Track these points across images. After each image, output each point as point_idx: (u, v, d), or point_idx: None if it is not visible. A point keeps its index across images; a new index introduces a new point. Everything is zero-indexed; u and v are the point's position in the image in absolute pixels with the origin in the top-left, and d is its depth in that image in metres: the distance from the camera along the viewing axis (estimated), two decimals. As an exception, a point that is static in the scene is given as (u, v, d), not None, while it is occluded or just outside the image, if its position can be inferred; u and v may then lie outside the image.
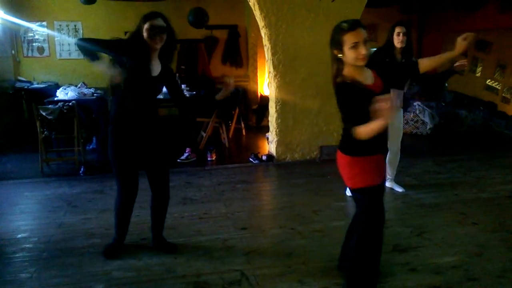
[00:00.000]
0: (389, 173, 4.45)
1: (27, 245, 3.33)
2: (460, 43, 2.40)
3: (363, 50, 2.11)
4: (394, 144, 4.28)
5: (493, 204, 4.18)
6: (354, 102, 2.20)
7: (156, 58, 2.85)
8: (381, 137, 2.28)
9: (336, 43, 2.19)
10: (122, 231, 3.17)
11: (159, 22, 2.72)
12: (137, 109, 2.85)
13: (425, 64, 2.46)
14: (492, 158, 5.96)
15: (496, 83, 8.64)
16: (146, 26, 2.69)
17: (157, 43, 2.73)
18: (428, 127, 7.33)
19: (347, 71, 2.24)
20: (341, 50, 2.19)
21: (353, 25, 2.12)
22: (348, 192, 4.32)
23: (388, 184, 4.45)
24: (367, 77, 2.28)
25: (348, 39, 2.12)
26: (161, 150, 3.04)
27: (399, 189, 4.49)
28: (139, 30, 2.73)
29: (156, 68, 2.86)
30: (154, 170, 3.05)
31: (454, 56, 2.44)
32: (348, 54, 2.15)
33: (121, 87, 2.74)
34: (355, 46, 2.11)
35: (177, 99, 3.11)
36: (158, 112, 3.07)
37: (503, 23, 7.62)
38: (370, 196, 2.41)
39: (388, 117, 1.95)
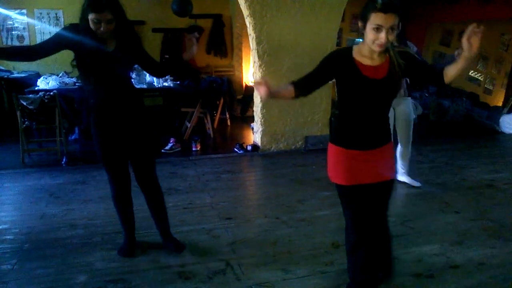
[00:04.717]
0: (402, 167, 4.36)
1: (8, 237, 3.28)
2: (469, 42, 1.88)
3: (383, 38, 1.91)
4: (403, 135, 4.19)
5: (474, 193, 4.25)
6: (319, 68, 2.15)
7: (110, 37, 2.61)
8: (364, 131, 2.17)
9: (363, 16, 1.98)
10: (127, 224, 3.01)
11: (106, 15, 2.44)
12: (106, 90, 2.66)
13: (451, 74, 2.09)
14: (474, 148, 6.06)
15: (479, 74, 8.75)
16: (91, 16, 2.43)
17: (102, 34, 2.51)
18: (411, 117, 7.38)
19: (358, 48, 2.10)
20: (364, 26, 1.98)
21: (387, 7, 1.87)
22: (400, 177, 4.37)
23: (402, 178, 4.38)
24: (375, 61, 2.08)
25: (374, 19, 1.91)
26: (142, 136, 2.82)
27: (415, 184, 4.34)
28: (84, 16, 2.47)
29: (111, 44, 2.61)
30: (138, 160, 2.86)
31: (471, 56, 1.95)
32: (368, 34, 1.96)
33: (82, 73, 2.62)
34: (378, 29, 1.91)
35: (150, 67, 2.96)
36: (136, 96, 2.85)
37: (485, 14, 7.70)
38: (341, 197, 2.34)
39: (261, 95, 2.06)
